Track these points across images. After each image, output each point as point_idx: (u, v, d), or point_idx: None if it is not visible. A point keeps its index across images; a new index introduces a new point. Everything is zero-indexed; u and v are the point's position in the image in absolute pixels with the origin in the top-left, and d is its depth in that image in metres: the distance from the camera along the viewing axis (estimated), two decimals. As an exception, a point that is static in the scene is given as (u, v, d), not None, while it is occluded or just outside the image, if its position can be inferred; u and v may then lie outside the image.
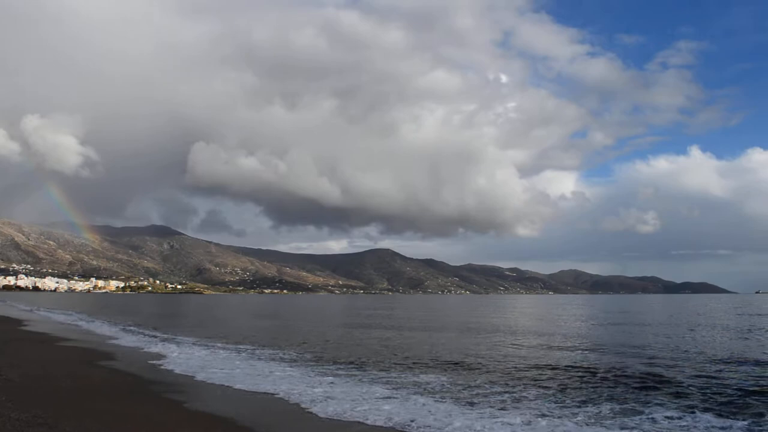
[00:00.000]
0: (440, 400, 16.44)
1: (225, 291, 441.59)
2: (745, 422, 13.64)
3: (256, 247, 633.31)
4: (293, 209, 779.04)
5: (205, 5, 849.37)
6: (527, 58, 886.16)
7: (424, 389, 18.10)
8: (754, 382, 18.82)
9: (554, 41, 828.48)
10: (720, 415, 14.36)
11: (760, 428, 13.11)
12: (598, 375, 20.68)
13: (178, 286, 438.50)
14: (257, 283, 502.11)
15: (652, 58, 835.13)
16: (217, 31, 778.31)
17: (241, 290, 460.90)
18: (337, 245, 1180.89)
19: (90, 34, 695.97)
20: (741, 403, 15.79)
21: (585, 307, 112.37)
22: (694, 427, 13.32)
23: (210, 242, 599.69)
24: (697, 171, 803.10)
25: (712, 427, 13.30)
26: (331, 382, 19.25)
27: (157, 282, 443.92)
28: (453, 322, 57.89)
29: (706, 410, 14.91)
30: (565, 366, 23.05)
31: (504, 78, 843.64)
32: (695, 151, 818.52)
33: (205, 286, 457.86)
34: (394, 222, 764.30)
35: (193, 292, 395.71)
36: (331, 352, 28.74)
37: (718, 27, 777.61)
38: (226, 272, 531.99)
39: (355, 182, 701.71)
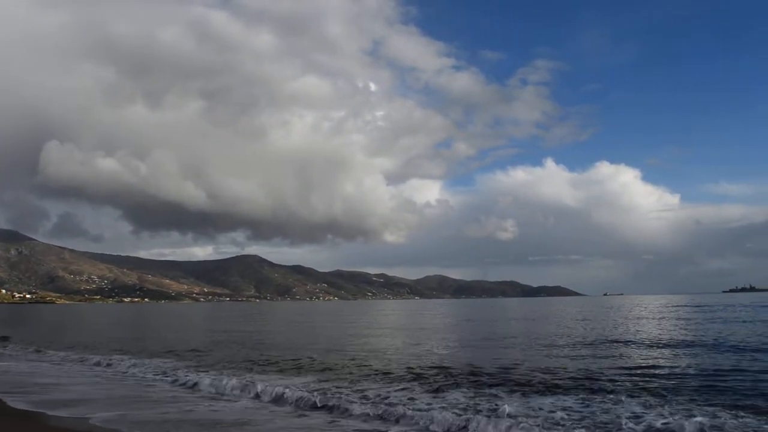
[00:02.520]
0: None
1: (80, 300, 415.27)
2: (578, 396, 16.23)
3: (115, 254, 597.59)
4: (155, 214, 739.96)
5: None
6: (396, 68, 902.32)
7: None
8: (586, 369, 21.75)
9: (422, 53, 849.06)
10: (561, 394, 16.72)
11: (590, 403, 15.45)
12: (449, 370, 22.23)
13: (27, 296, 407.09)
14: (116, 291, 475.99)
15: (513, 75, 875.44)
16: (74, 21, 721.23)
17: (99, 299, 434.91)
18: (202, 251, 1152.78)
19: None
20: (576, 385, 18.17)
21: (447, 308, 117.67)
22: (540, 408, 15.20)
23: (64, 248, 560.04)
24: (552, 182, 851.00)
25: (552, 404, 15.47)
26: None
27: (3, 291, 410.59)
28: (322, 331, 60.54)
29: (545, 393, 17.11)
30: (422, 364, 24.72)
31: (373, 86, 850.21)
32: (550, 163, 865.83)
33: (58, 295, 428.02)
34: (261, 228, 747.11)
35: (44, 302, 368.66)
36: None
37: (572, 49, 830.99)
38: (81, 280, 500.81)
39: (222, 187, 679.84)
